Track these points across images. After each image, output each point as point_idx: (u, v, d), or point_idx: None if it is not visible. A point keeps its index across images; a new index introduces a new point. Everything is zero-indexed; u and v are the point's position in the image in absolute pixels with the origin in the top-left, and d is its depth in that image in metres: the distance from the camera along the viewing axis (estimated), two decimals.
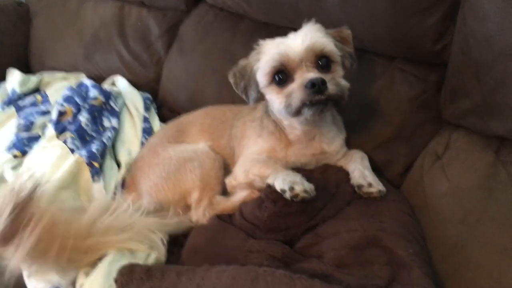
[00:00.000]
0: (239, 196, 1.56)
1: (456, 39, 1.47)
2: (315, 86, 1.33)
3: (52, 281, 1.39)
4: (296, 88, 1.38)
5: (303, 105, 1.37)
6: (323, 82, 1.34)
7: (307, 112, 1.39)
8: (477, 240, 1.26)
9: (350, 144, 1.69)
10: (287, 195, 1.31)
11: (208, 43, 2.16)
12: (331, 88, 1.36)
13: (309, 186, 1.32)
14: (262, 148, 1.60)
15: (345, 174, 1.53)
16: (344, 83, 1.43)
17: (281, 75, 1.43)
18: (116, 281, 1.22)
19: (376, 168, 1.62)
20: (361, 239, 1.28)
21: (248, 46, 1.56)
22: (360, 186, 1.44)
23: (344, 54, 1.48)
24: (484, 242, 1.24)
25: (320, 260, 1.27)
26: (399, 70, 1.69)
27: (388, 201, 1.44)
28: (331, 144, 1.61)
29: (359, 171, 1.48)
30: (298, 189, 1.30)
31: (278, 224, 1.38)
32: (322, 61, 1.42)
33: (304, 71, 1.39)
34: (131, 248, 1.39)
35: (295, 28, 1.53)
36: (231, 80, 1.56)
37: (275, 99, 1.46)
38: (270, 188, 1.39)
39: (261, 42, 1.52)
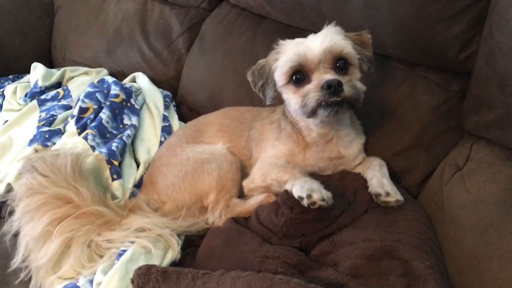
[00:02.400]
0: (256, 199, 1.56)
1: (481, 49, 1.44)
2: (331, 88, 1.35)
3: (70, 277, 1.42)
4: (312, 89, 1.39)
5: (319, 105, 1.38)
6: (339, 84, 1.35)
7: (322, 113, 1.40)
8: (496, 254, 1.23)
9: (368, 150, 1.68)
10: (305, 202, 1.31)
11: (229, 43, 2.16)
12: (347, 90, 1.37)
13: (326, 194, 1.32)
14: (280, 152, 1.60)
15: (363, 182, 1.52)
16: (361, 86, 1.44)
17: (299, 75, 1.45)
18: (132, 281, 1.23)
19: (395, 176, 1.62)
20: (378, 250, 1.27)
21: (268, 47, 1.58)
22: (377, 195, 1.43)
23: (363, 58, 1.49)
24: (503, 256, 1.21)
25: (335, 269, 1.26)
26: (421, 78, 1.67)
27: (406, 211, 1.43)
28: (348, 147, 1.60)
29: (377, 179, 1.47)
30: (315, 197, 1.30)
31: (294, 231, 1.38)
32: (339, 63, 1.44)
33: (322, 73, 1.41)
34: (147, 246, 1.41)
35: (317, 30, 1.53)
36: (249, 79, 1.59)
37: (292, 99, 1.47)
38: (287, 194, 1.39)
39: (281, 42, 1.54)
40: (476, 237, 1.30)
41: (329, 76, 1.39)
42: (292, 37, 1.55)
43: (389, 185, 1.45)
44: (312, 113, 1.42)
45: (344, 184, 1.52)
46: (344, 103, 1.39)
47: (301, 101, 1.42)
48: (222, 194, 1.57)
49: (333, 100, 1.37)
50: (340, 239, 1.35)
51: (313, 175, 1.57)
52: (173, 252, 1.45)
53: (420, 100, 1.65)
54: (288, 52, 1.47)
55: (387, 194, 1.42)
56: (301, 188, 1.33)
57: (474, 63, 1.49)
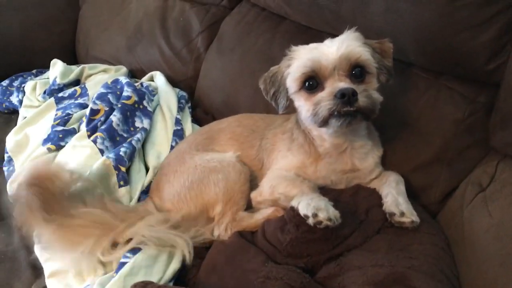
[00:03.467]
0: (263, 213, 1.50)
1: None
2: (345, 96, 1.27)
3: (71, 285, 1.41)
4: (325, 97, 1.32)
5: (330, 115, 1.31)
6: (353, 93, 1.27)
7: (334, 123, 1.33)
8: None
9: (386, 163, 1.59)
10: (310, 221, 1.24)
11: (247, 44, 2.10)
12: (361, 100, 1.29)
13: (334, 214, 1.24)
14: (291, 164, 1.53)
15: (378, 198, 1.43)
16: (377, 96, 1.36)
17: (312, 81, 1.37)
18: None
19: (413, 192, 1.52)
20: (387, 276, 1.19)
21: (286, 50, 1.50)
22: (392, 214, 1.34)
23: (381, 67, 1.41)
24: None
25: None
26: (445, 88, 1.56)
27: (422, 233, 1.34)
28: (363, 160, 1.52)
29: (393, 196, 1.38)
30: (321, 216, 1.23)
31: (299, 250, 1.31)
32: (356, 70, 1.36)
33: (336, 80, 1.34)
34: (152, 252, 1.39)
35: (336, 34, 1.46)
36: (261, 86, 1.52)
37: (303, 106, 1.40)
38: (293, 211, 1.32)
39: (294, 48, 1.47)
40: (497, 265, 1.20)
41: (343, 84, 1.31)
42: (311, 39, 1.49)
43: (404, 204, 1.35)
44: (324, 123, 1.34)
45: (356, 201, 1.44)
46: (358, 114, 1.31)
47: (312, 109, 1.35)
48: (229, 207, 1.51)
49: (346, 110, 1.29)
50: (348, 261, 1.27)
51: (325, 189, 1.49)
52: (177, 262, 1.41)
53: (444, 112, 1.53)
54: (302, 57, 1.39)
55: (402, 214, 1.33)
56: (307, 206, 1.26)
57: (504, 75, 1.38)
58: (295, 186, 1.42)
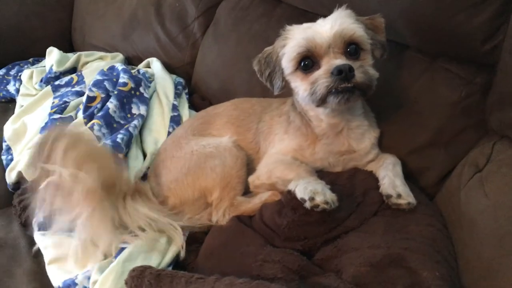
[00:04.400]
0: (261, 197, 1.50)
1: (508, 40, 1.32)
2: (342, 73, 1.27)
3: (70, 271, 1.41)
4: (321, 75, 1.32)
5: (328, 92, 1.31)
6: (350, 69, 1.27)
7: (332, 100, 1.32)
8: None
9: (383, 146, 1.58)
10: (307, 204, 1.25)
11: (243, 29, 2.08)
12: (358, 76, 1.29)
13: (331, 197, 1.25)
14: (288, 147, 1.53)
15: (375, 181, 1.44)
16: (373, 72, 1.36)
17: (307, 61, 1.37)
18: (126, 283, 1.20)
19: (410, 175, 1.52)
20: (384, 257, 1.20)
21: (281, 30, 1.49)
22: (388, 196, 1.35)
23: (375, 43, 1.40)
24: None
25: (338, 276, 1.20)
26: (442, 69, 1.54)
27: (419, 214, 1.34)
28: (360, 141, 1.52)
29: (389, 179, 1.38)
30: (318, 199, 1.23)
31: (297, 233, 1.32)
32: (350, 48, 1.36)
33: (331, 58, 1.33)
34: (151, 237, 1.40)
35: None
36: (256, 68, 1.52)
37: (300, 86, 1.40)
38: (290, 195, 1.33)
39: (288, 27, 1.46)
40: (493, 245, 1.21)
41: (340, 61, 1.31)
42: (307, 22, 1.46)
43: (401, 186, 1.36)
44: (322, 101, 1.34)
45: (353, 183, 1.44)
46: (356, 90, 1.31)
47: (309, 88, 1.34)
48: (226, 192, 1.52)
49: (344, 86, 1.29)
50: (345, 243, 1.28)
51: (322, 172, 1.49)
52: (176, 248, 1.42)
53: (440, 93, 1.52)
54: (296, 37, 1.39)
55: (399, 196, 1.33)
56: (304, 190, 1.27)
57: (500, 55, 1.37)
58: (292, 170, 1.42)
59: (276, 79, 1.47)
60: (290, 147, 1.53)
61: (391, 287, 1.14)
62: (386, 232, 1.28)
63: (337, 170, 1.53)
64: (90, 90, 1.91)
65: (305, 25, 1.43)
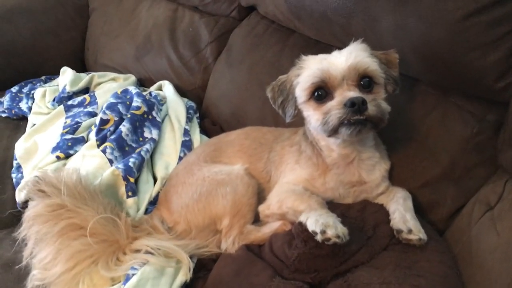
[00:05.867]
0: (271, 227, 1.50)
1: None
2: (355, 105, 1.29)
3: None
4: (335, 106, 1.33)
5: (341, 123, 1.32)
6: (363, 102, 1.29)
7: (344, 131, 1.34)
8: None
9: (393, 179, 1.59)
10: (318, 237, 1.24)
11: (256, 56, 2.10)
12: (371, 109, 1.31)
13: (342, 231, 1.24)
14: (299, 176, 1.54)
15: (385, 214, 1.43)
16: (385, 105, 1.38)
17: (321, 91, 1.39)
18: None
19: (420, 209, 1.53)
20: None
21: (296, 59, 1.51)
22: (399, 231, 1.34)
23: (388, 77, 1.42)
24: None
25: None
26: (453, 105, 1.56)
27: (429, 251, 1.34)
28: (371, 172, 1.52)
29: (400, 213, 1.38)
30: (330, 233, 1.23)
31: (307, 266, 1.31)
32: (364, 81, 1.38)
33: (345, 90, 1.35)
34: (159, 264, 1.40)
35: None
36: (269, 95, 1.54)
37: (312, 116, 1.41)
38: (301, 227, 1.32)
39: (303, 57, 1.49)
40: (505, 285, 1.20)
41: (353, 93, 1.33)
42: (320, 53, 1.49)
43: (412, 221, 1.35)
44: (334, 131, 1.35)
45: (364, 217, 1.44)
46: (368, 123, 1.33)
47: (322, 118, 1.36)
48: (237, 220, 1.52)
49: (356, 118, 1.30)
50: (355, 278, 1.27)
51: (333, 204, 1.50)
52: (183, 275, 1.42)
53: (452, 129, 1.53)
54: (311, 67, 1.41)
55: (410, 231, 1.33)
56: (316, 222, 1.26)
57: None
58: (303, 201, 1.42)
59: (289, 107, 1.49)
60: (301, 177, 1.54)
61: None
62: (397, 268, 1.27)
63: (347, 202, 1.53)
64: (104, 113, 1.93)
65: (320, 56, 1.45)
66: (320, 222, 1.26)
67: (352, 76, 1.36)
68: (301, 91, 1.43)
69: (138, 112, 1.94)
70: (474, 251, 1.34)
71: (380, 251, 1.35)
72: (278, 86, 1.52)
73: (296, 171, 1.56)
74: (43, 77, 2.76)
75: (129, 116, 1.92)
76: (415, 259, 1.31)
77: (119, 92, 2.09)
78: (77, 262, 1.38)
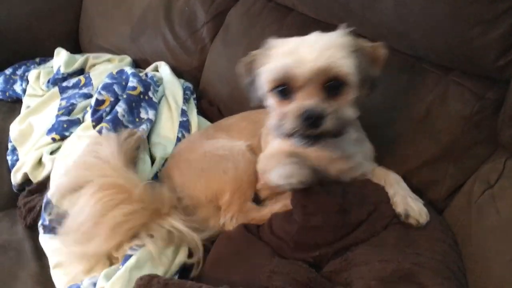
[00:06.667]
0: (272, 208, 1.49)
1: None
2: (310, 119, 1.19)
3: (75, 276, 1.40)
4: (290, 113, 1.22)
5: (293, 134, 1.24)
6: (320, 116, 1.19)
7: (297, 142, 1.26)
8: None
9: (395, 159, 1.58)
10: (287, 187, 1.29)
11: (253, 36, 2.06)
12: (328, 123, 1.20)
13: (304, 175, 1.26)
14: (281, 146, 1.47)
15: (385, 195, 1.42)
16: (349, 114, 1.26)
17: (283, 88, 1.27)
18: None
19: (419, 188, 1.52)
20: (394, 272, 1.18)
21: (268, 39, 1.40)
22: (402, 214, 1.34)
23: (366, 77, 1.28)
24: None
25: None
26: (454, 83, 1.53)
27: (429, 230, 1.33)
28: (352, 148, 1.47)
29: (401, 196, 1.37)
30: (295, 181, 1.26)
31: (307, 239, 1.31)
32: (332, 84, 1.23)
33: (307, 94, 1.22)
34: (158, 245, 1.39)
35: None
36: (238, 71, 1.45)
37: (271, 111, 1.34)
38: (297, 199, 1.33)
39: (273, 42, 1.35)
40: (503, 264, 1.20)
41: (312, 103, 1.20)
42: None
43: (414, 204, 1.35)
44: (287, 137, 1.27)
45: (365, 193, 1.42)
46: (323, 137, 1.23)
47: (278, 119, 1.26)
48: (237, 196, 1.49)
49: (310, 133, 1.21)
50: (354, 257, 1.27)
51: (334, 181, 1.46)
52: (182, 256, 1.42)
53: (452, 108, 1.52)
54: (277, 60, 1.27)
55: (411, 214, 1.32)
56: (279, 176, 1.28)
57: None
58: (276, 160, 1.39)
59: (253, 91, 1.40)
60: (283, 147, 1.47)
61: None
62: (397, 247, 1.27)
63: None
64: (99, 93, 1.90)
65: (290, 44, 1.30)
66: (283, 175, 1.27)
67: (319, 79, 1.22)
68: (263, 81, 1.32)
69: (134, 93, 1.91)
70: (474, 229, 1.33)
71: (380, 230, 1.35)
72: (246, 64, 1.41)
73: (276, 141, 1.50)
74: (37, 59, 2.72)
75: (125, 96, 1.89)
76: (415, 238, 1.31)
77: (114, 73, 2.05)
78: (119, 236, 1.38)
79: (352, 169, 1.49)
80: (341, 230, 1.32)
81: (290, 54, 1.25)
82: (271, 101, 1.33)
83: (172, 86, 2.14)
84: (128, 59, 2.54)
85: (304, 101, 1.21)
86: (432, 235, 1.32)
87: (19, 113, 2.22)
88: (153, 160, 1.79)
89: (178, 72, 2.34)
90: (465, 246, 1.34)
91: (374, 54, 1.32)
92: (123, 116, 1.83)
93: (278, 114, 1.27)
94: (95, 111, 1.86)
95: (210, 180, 1.52)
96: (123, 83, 1.97)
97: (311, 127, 1.20)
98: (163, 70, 2.31)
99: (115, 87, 1.93)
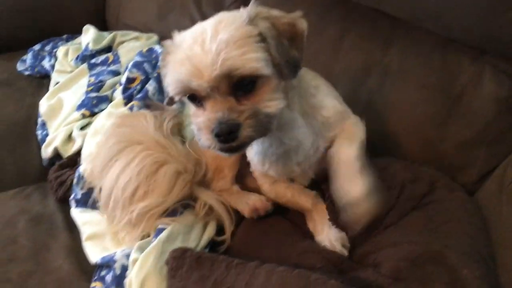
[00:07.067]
0: (248, 200, 1.51)
1: None
2: (222, 136, 1.03)
3: (108, 248, 1.44)
4: (203, 127, 1.06)
5: (213, 148, 1.08)
6: (232, 130, 1.02)
7: (220, 154, 1.11)
8: None
9: (425, 141, 1.58)
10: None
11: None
12: (245, 132, 1.03)
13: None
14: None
15: (411, 171, 1.43)
16: (272, 109, 1.07)
17: (192, 96, 1.09)
18: (167, 263, 1.22)
19: (451, 170, 1.52)
20: (423, 253, 1.19)
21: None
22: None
23: (288, 59, 1.06)
24: None
25: (376, 270, 1.19)
26: (489, 65, 1.50)
27: (459, 212, 1.33)
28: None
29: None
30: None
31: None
32: (241, 82, 1.03)
33: (214, 103, 1.04)
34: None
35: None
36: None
37: (191, 116, 1.15)
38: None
39: (168, 43, 1.18)
40: None
41: (220, 116, 1.02)
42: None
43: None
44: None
45: (389, 175, 1.42)
46: (242, 145, 1.08)
47: (196, 131, 1.11)
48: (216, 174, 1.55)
49: (228, 146, 1.06)
50: (384, 239, 1.28)
51: None
52: (211, 230, 1.44)
53: (486, 90, 1.49)
54: (173, 71, 1.07)
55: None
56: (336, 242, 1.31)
57: None
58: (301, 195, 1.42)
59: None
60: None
61: (430, 283, 1.13)
62: (425, 229, 1.28)
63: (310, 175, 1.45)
64: (130, 71, 1.91)
65: (184, 46, 1.07)
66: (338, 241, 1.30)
67: (224, 85, 1.02)
68: (169, 89, 1.12)
69: None
70: (504, 214, 1.32)
71: (408, 212, 1.35)
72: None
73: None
74: (64, 36, 2.73)
75: (155, 75, 1.91)
76: (444, 219, 1.30)
77: (144, 51, 2.06)
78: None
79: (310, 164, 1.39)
80: (374, 229, 1.32)
81: (184, 63, 1.04)
82: (188, 104, 1.16)
83: None
84: (155, 37, 2.53)
85: (213, 112, 1.04)
86: (462, 217, 1.32)
87: (47, 88, 2.25)
88: None
89: None
90: (495, 231, 1.33)
91: (292, 30, 1.09)
92: (154, 95, 1.84)
93: (195, 125, 1.12)
94: (125, 89, 1.88)
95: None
96: (153, 62, 1.98)
97: (225, 142, 1.05)
98: None
99: (145, 65, 1.95)
